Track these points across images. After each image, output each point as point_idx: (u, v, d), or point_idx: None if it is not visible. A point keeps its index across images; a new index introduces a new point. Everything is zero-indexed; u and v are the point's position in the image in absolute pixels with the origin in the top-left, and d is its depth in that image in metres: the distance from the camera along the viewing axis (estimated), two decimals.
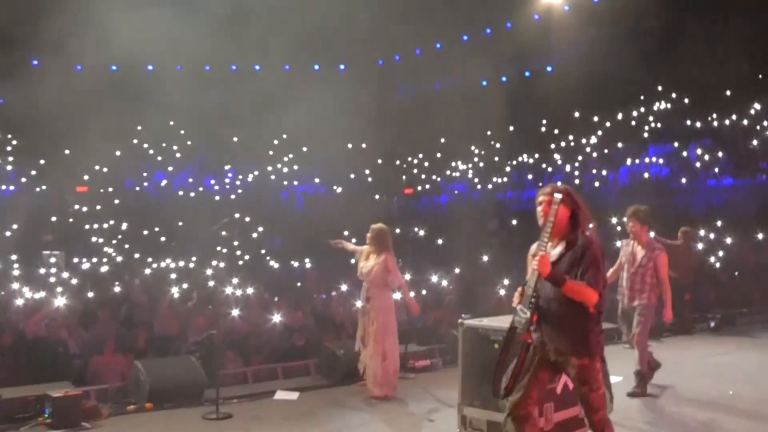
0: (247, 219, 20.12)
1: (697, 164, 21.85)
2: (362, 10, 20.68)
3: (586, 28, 23.33)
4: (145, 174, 25.10)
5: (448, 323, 9.56)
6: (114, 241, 19.00)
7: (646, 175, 21.87)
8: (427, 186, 25.05)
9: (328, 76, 28.05)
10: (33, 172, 23.03)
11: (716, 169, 21.27)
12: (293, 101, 25.83)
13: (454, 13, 23.61)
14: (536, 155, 24.63)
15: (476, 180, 24.30)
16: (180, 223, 21.30)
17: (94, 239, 19.05)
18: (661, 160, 22.50)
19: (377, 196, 24.15)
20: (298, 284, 13.81)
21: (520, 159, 24.93)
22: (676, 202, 19.46)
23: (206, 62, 26.39)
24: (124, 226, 20.19)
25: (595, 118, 24.78)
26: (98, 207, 21.18)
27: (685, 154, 22.35)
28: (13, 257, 15.62)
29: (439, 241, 17.00)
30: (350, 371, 7.63)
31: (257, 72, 27.39)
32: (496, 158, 25.20)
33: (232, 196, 24.27)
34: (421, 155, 25.86)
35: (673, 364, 8.09)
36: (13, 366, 7.72)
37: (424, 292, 11.39)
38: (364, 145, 26.90)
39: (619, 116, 24.76)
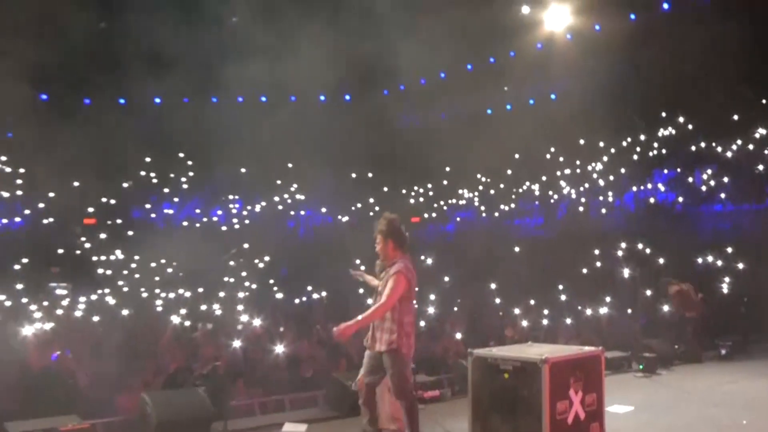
0: (252, 248, 20.17)
1: (703, 188, 21.85)
2: (366, 40, 20.94)
3: (589, 55, 23.52)
4: (149, 206, 25.25)
5: (456, 352, 9.50)
6: (125, 273, 19.04)
7: (651, 200, 21.86)
8: (434, 214, 25.07)
9: (333, 106, 28.35)
10: (41, 205, 23.18)
11: (722, 195, 21.25)
12: (299, 131, 26.08)
13: (458, 42, 23.85)
14: (542, 182, 24.67)
15: (482, 208, 24.32)
16: (186, 254, 21.38)
17: (100, 271, 19.08)
18: (665, 186, 22.51)
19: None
20: (305, 314, 13.77)
21: (525, 186, 24.98)
22: (683, 227, 19.41)
23: (214, 94, 26.73)
24: (132, 257, 20.24)
25: (601, 144, 24.84)
26: (102, 236, 21.26)
27: (690, 179, 22.36)
28: (21, 289, 15.66)
29: (447, 270, 16.94)
30: (358, 402, 7.55)
31: (263, 102, 27.71)
32: (502, 186, 25.25)
33: (237, 226, 24.37)
34: (427, 184, 25.95)
35: (684, 392, 8.00)
36: (21, 399, 7.69)
37: (422, 323, 11.30)
38: (370, 174, 27.03)
39: (624, 143, 24.81)
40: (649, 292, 13.28)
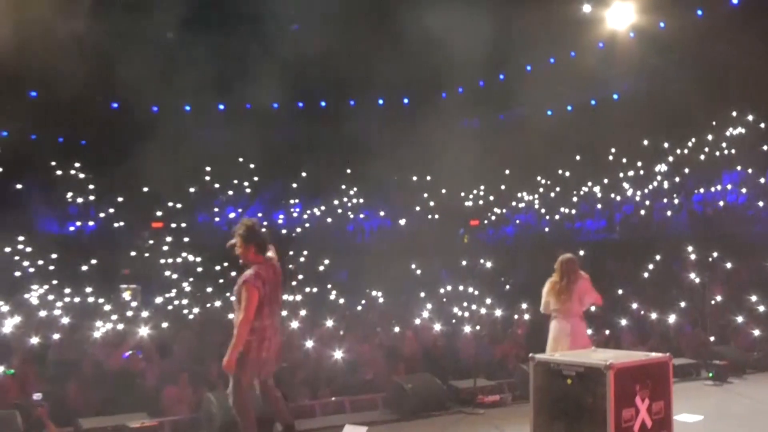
0: (312, 251, 20.49)
1: None
2: (425, 44, 20.97)
3: (653, 53, 22.91)
4: (216, 209, 25.92)
5: (517, 357, 9.39)
6: (192, 278, 19.56)
7: (721, 203, 21.09)
8: (493, 217, 24.87)
9: (392, 110, 28.51)
10: (111, 210, 24.10)
11: None
12: (358, 135, 26.33)
13: (517, 43, 23.64)
14: (604, 184, 24.14)
15: (543, 210, 23.98)
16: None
17: (167, 273, 19.69)
18: (737, 188, 21.67)
19: (442, 228, 24.18)
20: (365, 317, 13.86)
21: (587, 188, 24.49)
22: (755, 230, 18.65)
23: (273, 101, 27.30)
24: (197, 260, 20.82)
25: (666, 145, 24.14)
26: (169, 239, 21.94)
27: (762, 180, 21.46)
28: (93, 290, 16.32)
29: (506, 273, 16.80)
30: (419, 406, 7.57)
31: (323, 108, 28.12)
32: (561, 188, 24.84)
33: (298, 230, 24.75)
34: (485, 186, 25.76)
35: (758, 402, 7.67)
36: (94, 396, 8.01)
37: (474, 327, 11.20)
38: (429, 177, 27.04)
39: (690, 143, 24.04)
40: (719, 298, 12.83)
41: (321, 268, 20.01)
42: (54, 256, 19.23)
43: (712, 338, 10.94)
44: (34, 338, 9.97)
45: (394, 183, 27.16)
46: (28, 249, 19.87)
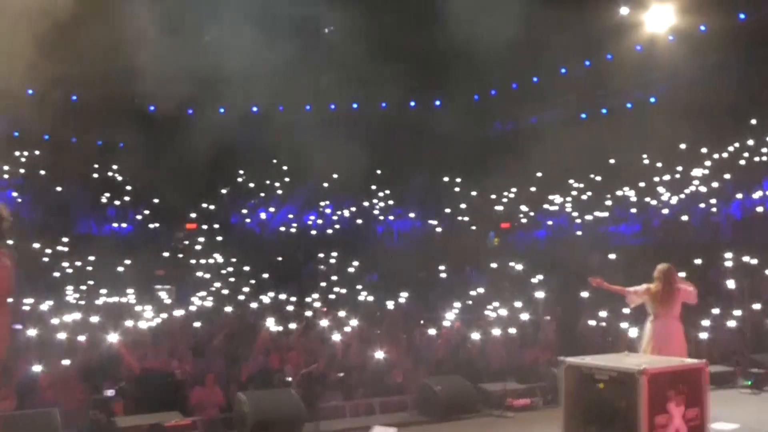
0: (343, 253, 20.58)
1: None
2: (457, 46, 20.91)
3: (693, 56, 22.49)
4: (245, 211, 26.18)
5: (548, 361, 9.30)
6: (231, 279, 19.74)
7: (760, 209, 20.58)
8: (524, 220, 24.65)
9: (424, 112, 28.48)
10: (146, 212, 24.50)
11: None
12: (389, 138, 26.34)
13: (552, 46, 23.43)
14: (639, 188, 23.75)
15: (575, 214, 23.70)
16: (279, 258, 21.99)
17: (200, 274, 19.94)
18: None
19: (479, 228, 24.09)
20: (394, 319, 13.83)
21: (621, 192, 24.14)
22: None
23: (305, 102, 27.50)
24: (230, 261, 21.03)
25: (704, 150, 23.66)
26: (202, 240, 22.20)
27: None
28: (128, 291, 16.59)
29: (538, 277, 16.61)
30: (448, 408, 7.54)
31: (354, 110, 28.22)
32: (594, 192, 24.52)
33: (329, 231, 24.86)
34: (517, 189, 25.56)
35: None
36: (133, 396, 8.14)
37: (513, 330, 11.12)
38: (459, 179, 26.93)
39: (731, 147, 23.52)
40: (758, 305, 12.54)
41: (350, 269, 20.04)
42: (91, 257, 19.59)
43: (750, 346, 10.70)
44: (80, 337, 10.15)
45: (424, 185, 27.12)
46: (66, 250, 20.34)
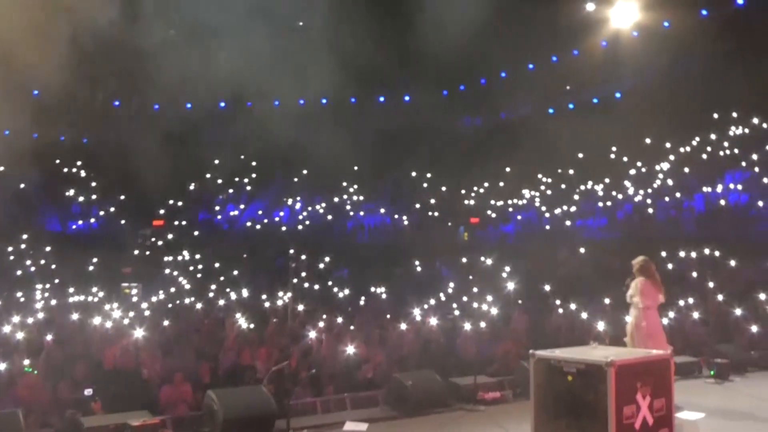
0: (313, 248, 20.48)
1: None
2: (426, 42, 20.94)
3: (657, 52, 22.85)
4: (217, 207, 25.90)
5: (517, 354, 9.37)
6: (199, 276, 19.51)
7: (722, 202, 21.03)
8: (493, 215, 24.83)
9: (393, 107, 28.49)
10: (112, 209, 24.09)
11: None
12: (360, 133, 26.27)
13: (519, 42, 23.60)
14: (605, 182, 24.09)
15: (543, 208, 23.94)
16: (246, 255, 21.84)
17: (168, 271, 19.67)
18: (739, 187, 21.60)
19: (449, 224, 24.18)
20: (363, 314, 13.83)
21: (587, 186, 24.45)
22: (757, 230, 18.60)
23: (275, 98, 27.28)
24: (197, 257, 20.80)
25: (668, 145, 24.08)
26: (170, 237, 21.92)
27: (766, 180, 21.39)
28: (95, 288, 16.31)
29: (506, 270, 16.73)
30: (419, 403, 7.55)
31: (323, 105, 28.08)
32: (564, 186, 24.80)
33: (300, 227, 24.73)
34: (486, 184, 25.72)
35: (759, 400, 7.64)
36: (105, 395, 7.99)
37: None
38: (429, 175, 27.00)
39: (694, 142, 23.98)
40: (720, 297, 12.80)
41: (321, 266, 19.95)
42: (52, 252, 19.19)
43: (713, 337, 10.92)
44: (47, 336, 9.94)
45: (394, 180, 27.13)
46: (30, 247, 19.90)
